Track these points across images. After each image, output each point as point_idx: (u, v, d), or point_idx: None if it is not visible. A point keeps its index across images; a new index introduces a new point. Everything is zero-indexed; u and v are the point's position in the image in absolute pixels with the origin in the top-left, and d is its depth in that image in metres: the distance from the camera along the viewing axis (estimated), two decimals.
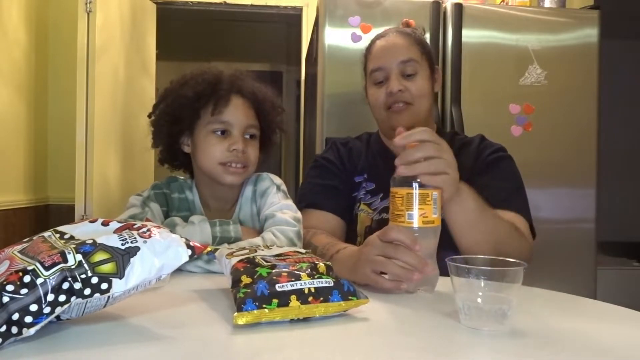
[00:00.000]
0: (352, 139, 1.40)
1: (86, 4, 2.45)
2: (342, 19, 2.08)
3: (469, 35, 2.14)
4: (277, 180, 1.16)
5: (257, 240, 0.99)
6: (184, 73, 1.15)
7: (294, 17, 3.46)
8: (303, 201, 1.25)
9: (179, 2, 3.34)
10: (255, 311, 0.60)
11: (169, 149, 1.17)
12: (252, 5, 3.35)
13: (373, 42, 1.31)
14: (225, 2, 3.35)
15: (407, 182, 0.80)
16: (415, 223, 0.79)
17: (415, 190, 0.79)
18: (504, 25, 2.17)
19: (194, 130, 1.11)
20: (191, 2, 3.34)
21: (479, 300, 0.64)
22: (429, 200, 0.79)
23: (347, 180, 1.30)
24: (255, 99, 1.13)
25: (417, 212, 0.79)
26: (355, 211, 1.27)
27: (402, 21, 1.38)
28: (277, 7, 3.37)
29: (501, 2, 2.50)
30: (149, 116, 1.17)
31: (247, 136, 1.11)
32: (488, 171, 1.19)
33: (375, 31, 2.10)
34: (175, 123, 1.11)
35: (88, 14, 2.46)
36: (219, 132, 1.09)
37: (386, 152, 1.31)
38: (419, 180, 0.79)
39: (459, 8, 2.13)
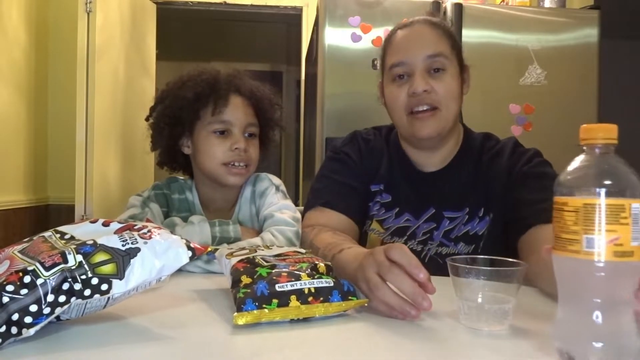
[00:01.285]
0: (374, 134, 1.20)
1: (86, 4, 2.45)
2: (342, 19, 2.08)
3: (469, 35, 2.14)
4: (276, 180, 1.16)
5: (257, 241, 0.99)
6: (180, 74, 1.15)
7: (294, 17, 3.46)
8: (319, 198, 1.11)
9: (179, 2, 3.34)
10: (255, 311, 0.60)
11: (168, 151, 1.17)
12: (252, 5, 3.36)
13: (394, 31, 1.12)
14: (225, 2, 3.35)
15: (584, 186, 0.50)
16: (601, 254, 0.48)
17: (602, 199, 0.49)
18: (504, 25, 2.17)
19: (194, 132, 1.11)
20: (191, 2, 3.34)
21: (479, 300, 0.64)
22: (625, 217, 0.48)
23: (365, 184, 1.14)
24: (254, 97, 1.13)
25: (603, 236, 0.48)
26: (366, 229, 1.14)
27: (426, 12, 1.18)
28: (277, 7, 3.37)
29: (501, 2, 2.50)
30: (147, 119, 1.17)
31: (247, 135, 1.12)
32: (524, 184, 1.02)
33: (375, 31, 2.10)
34: (175, 125, 1.11)
35: (88, 14, 2.46)
36: (220, 132, 1.09)
37: (405, 161, 1.14)
38: (607, 182, 0.49)
39: (459, 8, 2.13)
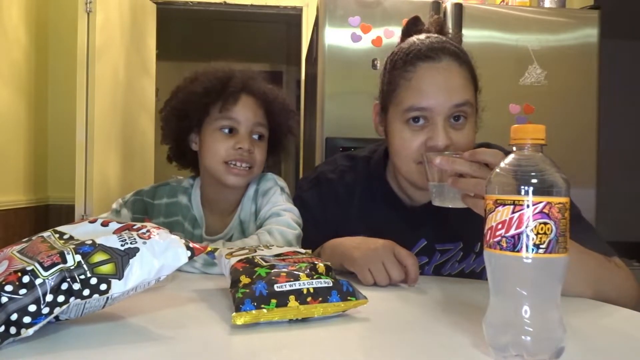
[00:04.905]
0: (341, 172, 1.11)
1: (86, 4, 2.45)
2: (342, 19, 2.08)
3: (469, 35, 2.14)
4: (281, 182, 1.15)
5: (251, 241, 0.98)
6: (195, 71, 1.15)
7: (294, 17, 3.46)
8: None
9: (179, 2, 3.34)
10: (253, 311, 0.60)
11: (177, 146, 1.17)
12: (252, 5, 3.35)
13: (413, 61, 0.93)
14: (225, 2, 3.35)
15: (512, 184, 0.51)
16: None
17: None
18: (504, 25, 2.17)
19: (202, 127, 1.11)
20: (191, 2, 3.33)
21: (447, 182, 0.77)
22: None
23: (332, 232, 1.01)
24: (266, 99, 1.12)
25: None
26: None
27: (432, 18, 1.04)
28: (277, 7, 3.37)
29: (501, 2, 2.50)
30: (161, 112, 1.17)
31: (255, 137, 1.10)
32: None
33: (375, 31, 2.10)
34: (183, 118, 1.11)
35: (88, 14, 2.46)
36: (226, 130, 1.08)
37: (391, 196, 1.06)
38: (534, 181, 0.50)
39: (459, 8, 2.13)
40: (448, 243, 1.03)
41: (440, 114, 0.91)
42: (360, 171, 1.10)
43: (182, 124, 1.12)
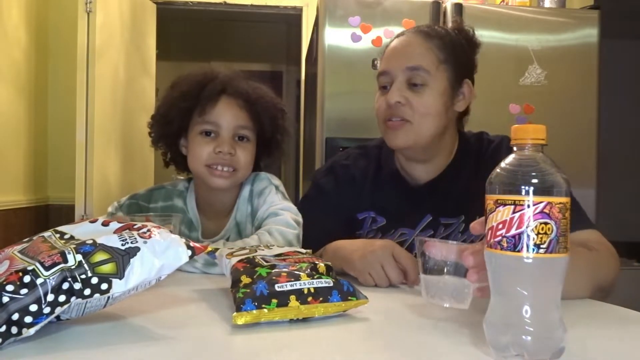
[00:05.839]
0: (355, 158, 1.19)
1: (86, 4, 2.45)
2: (342, 19, 2.08)
3: None
4: (276, 180, 1.14)
5: (252, 241, 0.97)
6: (178, 75, 1.14)
7: (294, 17, 3.46)
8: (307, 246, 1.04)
9: (179, 2, 3.34)
10: (254, 311, 0.60)
11: (169, 151, 1.16)
12: (252, 5, 3.35)
13: (390, 40, 1.12)
14: (225, 2, 3.35)
15: (513, 185, 0.51)
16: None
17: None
18: (504, 25, 2.17)
19: (188, 132, 1.10)
20: (191, 2, 3.34)
21: (440, 279, 0.69)
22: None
23: (346, 217, 1.13)
24: (249, 99, 1.09)
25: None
26: None
27: (454, 21, 1.18)
28: (277, 7, 3.37)
29: (501, 2, 2.50)
30: (151, 118, 1.17)
31: (238, 138, 1.08)
32: None
33: (375, 31, 2.10)
34: (166, 124, 1.10)
35: (88, 14, 2.46)
36: (206, 133, 1.07)
37: (397, 176, 1.14)
38: (534, 181, 0.50)
39: (459, 8, 2.13)
40: (451, 217, 1.09)
41: (397, 75, 1.04)
42: (372, 157, 1.18)
43: (165, 129, 1.11)
